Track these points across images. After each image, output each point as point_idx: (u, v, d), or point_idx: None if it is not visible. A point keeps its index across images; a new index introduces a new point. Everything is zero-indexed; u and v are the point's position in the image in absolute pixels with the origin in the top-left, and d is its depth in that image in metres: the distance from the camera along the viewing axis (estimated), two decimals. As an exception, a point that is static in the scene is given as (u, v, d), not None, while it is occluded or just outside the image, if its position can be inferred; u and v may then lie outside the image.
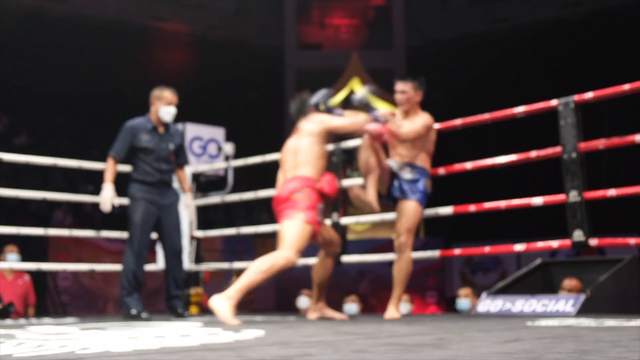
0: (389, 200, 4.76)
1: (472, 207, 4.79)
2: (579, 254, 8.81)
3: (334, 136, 4.67)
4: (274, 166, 5.95)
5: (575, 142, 4.29)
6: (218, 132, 7.42)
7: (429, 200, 4.85)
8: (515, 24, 19.15)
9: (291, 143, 4.48)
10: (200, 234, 6.42)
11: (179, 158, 5.33)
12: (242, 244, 11.99)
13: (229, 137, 7.37)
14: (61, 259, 10.23)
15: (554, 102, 4.46)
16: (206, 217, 5.63)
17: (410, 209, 4.62)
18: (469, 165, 4.86)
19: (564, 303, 4.56)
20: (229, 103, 18.01)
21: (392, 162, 4.71)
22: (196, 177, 6.57)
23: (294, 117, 4.58)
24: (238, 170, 7.49)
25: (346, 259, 5.32)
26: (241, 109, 18.03)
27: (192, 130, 7.10)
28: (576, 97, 4.35)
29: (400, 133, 4.55)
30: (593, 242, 4.22)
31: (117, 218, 6.60)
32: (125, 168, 5.39)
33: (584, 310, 4.43)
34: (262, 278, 4.05)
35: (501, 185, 12.01)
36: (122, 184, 5.34)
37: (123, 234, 6.12)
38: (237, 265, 6.66)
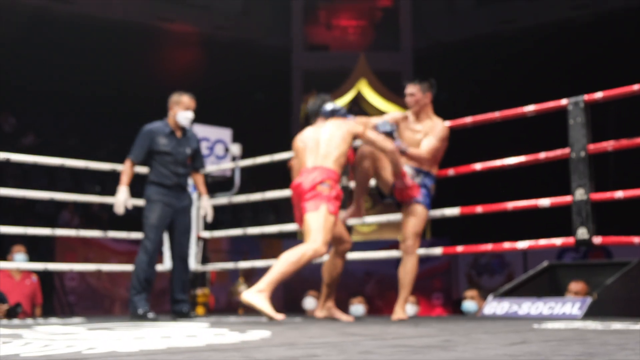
0: (391, 200, 4.77)
1: (479, 209, 4.79)
2: (585, 257, 8.80)
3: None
4: (281, 167, 5.97)
5: (584, 141, 4.29)
6: (225, 133, 7.44)
7: (436, 201, 4.86)
8: (522, 26, 19.12)
9: (310, 133, 4.47)
10: (206, 234, 6.42)
11: (196, 162, 5.41)
12: (249, 244, 12.00)
13: (236, 138, 7.38)
14: (68, 260, 10.25)
15: (563, 102, 4.46)
16: (213, 213, 5.65)
17: (417, 212, 4.65)
18: (478, 166, 4.87)
19: (571, 306, 4.55)
20: (236, 104, 18.03)
21: (408, 168, 4.73)
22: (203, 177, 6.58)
23: (312, 115, 4.60)
24: (245, 171, 7.50)
25: (351, 256, 5.34)
26: (248, 109, 18.04)
27: (199, 131, 7.10)
28: (586, 97, 4.35)
29: (421, 156, 4.64)
30: (597, 240, 4.21)
31: (124, 219, 6.61)
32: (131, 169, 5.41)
33: (591, 313, 4.42)
34: (292, 269, 4.03)
35: (508, 188, 11.99)
36: (131, 185, 5.35)
37: (130, 235, 6.14)
38: (242, 265, 6.67)
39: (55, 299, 10.18)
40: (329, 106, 4.58)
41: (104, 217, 13.05)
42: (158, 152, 5.18)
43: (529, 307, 4.79)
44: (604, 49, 16.89)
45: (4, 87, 15.47)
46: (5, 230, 5.75)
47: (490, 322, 3.98)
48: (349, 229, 5.47)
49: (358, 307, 7.30)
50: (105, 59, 17.58)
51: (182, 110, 5.21)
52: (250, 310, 4.39)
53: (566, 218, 4.47)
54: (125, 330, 3.33)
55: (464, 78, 18.00)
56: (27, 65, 16.98)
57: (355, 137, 4.41)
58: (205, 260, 6.47)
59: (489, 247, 5.00)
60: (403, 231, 4.66)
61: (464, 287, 12.31)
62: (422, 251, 5.13)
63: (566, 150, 4.40)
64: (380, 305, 12.17)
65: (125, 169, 5.18)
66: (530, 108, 4.64)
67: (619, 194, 4.21)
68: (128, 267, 5.71)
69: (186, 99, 5.24)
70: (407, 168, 4.74)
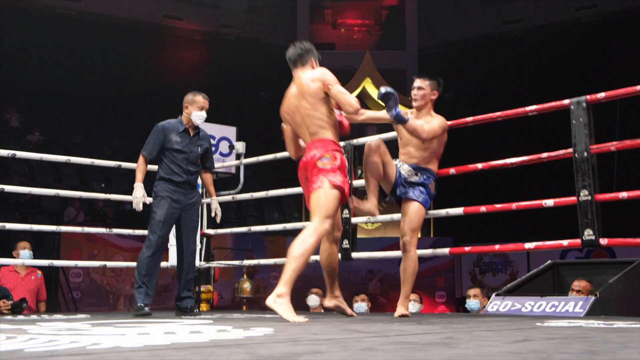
0: (392, 198, 4.78)
1: (482, 208, 4.79)
2: (589, 256, 8.79)
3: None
4: (286, 164, 5.98)
5: (587, 142, 4.28)
6: (230, 131, 7.45)
7: (439, 200, 4.86)
8: (528, 26, 19.11)
9: (292, 102, 4.34)
10: (211, 231, 6.44)
11: (206, 162, 5.42)
12: (253, 242, 12.02)
13: (240, 136, 7.40)
14: (73, 256, 10.29)
15: (566, 102, 4.46)
16: (221, 214, 5.65)
17: (414, 210, 4.65)
18: (480, 165, 4.87)
19: (574, 304, 4.55)
20: (241, 102, 18.04)
21: (407, 166, 4.72)
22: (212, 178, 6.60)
23: (291, 62, 4.49)
24: (250, 169, 7.51)
25: (355, 255, 5.35)
26: (253, 107, 18.05)
27: (204, 128, 7.13)
28: (588, 97, 4.35)
29: (418, 130, 4.56)
30: (603, 241, 4.20)
31: (129, 215, 6.64)
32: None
33: (594, 311, 4.42)
34: (303, 261, 3.97)
35: (513, 188, 11.98)
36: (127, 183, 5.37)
37: (135, 231, 6.16)
38: (247, 262, 6.68)
39: (60, 295, 10.21)
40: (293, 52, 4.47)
41: (108, 213, 13.08)
42: (171, 149, 5.20)
43: (531, 305, 4.79)
44: (610, 49, 16.87)
45: (11, 84, 15.51)
46: (11, 227, 5.77)
47: (493, 319, 3.98)
48: (354, 227, 5.48)
49: (361, 305, 7.29)
50: (112, 57, 17.62)
51: (196, 110, 5.24)
52: (254, 307, 4.39)
53: (570, 216, 4.47)
54: (130, 326, 3.34)
55: (469, 77, 18.00)
56: (33, 63, 17.02)
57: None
58: (209, 257, 6.48)
59: (495, 247, 5.00)
60: (401, 228, 4.67)
61: (468, 285, 12.32)
62: (429, 251, 5.14)
63: (569, 150, 4.39)
64: (384, 302, 12.18)
65: (139, 166, 5.20)
66: (532, 107, 4.64)
67: (623, 194, 4.20)
68: (133, 264, 5.72)
69: (201, 98, 5.27)
70: (407, 166, 4.73)
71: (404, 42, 20.53)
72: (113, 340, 2.40)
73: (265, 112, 18.60)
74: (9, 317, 4.95)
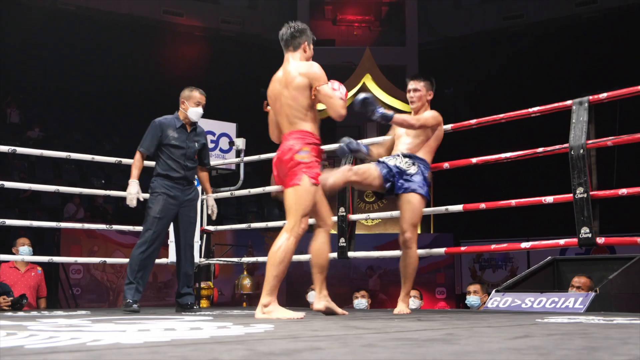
0: (390, 196, 4.73)
1: (482, 205, 4.78)
2: (588, 252, 8.79)
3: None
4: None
5: (584, 139, 4.25)
6: (230, 127, 7.44)
7: (440, 196, 4.85)
8: (528, 22, 19.10)
9: (276, 88, 4.29)
10: (210, 228, 6.44)
11: (203, 158, 5.42)
12: (253, 238, 12.01)
13: (240, 132, 7.39)
14: (73, 252, 10.29)
15: (568, 102, 4.44)
16: (217, 211, 5.65)
17: (415, 202, 4.57)
18: (474, 160, 4.85)
19: (574, 300, 4.55)
20: (241, 98, 18.03)
21: (401, 157, 4.69)
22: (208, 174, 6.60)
23: (283, 43, 4.44)
24: (250, 165, 7.51)
25: (352, 254, 5.33)
26: (253, 103, 18.03)
27: (204, 125, 7.10)
28: (591, 98, 4.33)
29: (408, 121, 4.56)
30: (600, 240, 4.16)
31: (129, 211, 6.63)
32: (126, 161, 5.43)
33: (593, 307, 4.42)
34: (283, 268, 3.94)
35: (514, 184, 11.99)
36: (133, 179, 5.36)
37: (135, 228, 6.15)
38: (247, 259, 6.68)
39: (60, 291, 10.21)
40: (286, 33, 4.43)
41: (108, 209, 13.09)
42: (168, 145, 5.19)
43: (532, 301, 4.79)
44: (610, 45, 16.85)
45: (11, 80, 15.50)
46: (11, 223, 5.77)
47: (493, 316, 3.98)
48: (353, 223, 5.47)
49: (361, 301, 7.30)
50: (112, 53, 17.61)
51: (193, 106, 5.23)
52: (255, 303, 4.38)
53: (571, 213, 4.46)
54: (130, 322, 3.34)
55: (469, 73, 17.99)
56: (33, 59, 17.01)
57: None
58: (209, 253, 6.48)
59: (491, 247, 5.00)
60: (400, 224, 4.59)
61: (468, 281, 12.31)
62: (426, 251, 5.09)
63: (565, 145, 4.35)
64: (384, 299, 12.18)
65: (136, 162, 5.18)
66: (535, 109, 4.61)
67: (623, 190, 4.18)
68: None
69: (198, 94, 5.27)
70: (402, 157, 4.67)
71: (404, 38, 20.51)
72: (113, 337, 2.40)
73: (265, 108, 18.69)
74: (9, 313, 4.95)
